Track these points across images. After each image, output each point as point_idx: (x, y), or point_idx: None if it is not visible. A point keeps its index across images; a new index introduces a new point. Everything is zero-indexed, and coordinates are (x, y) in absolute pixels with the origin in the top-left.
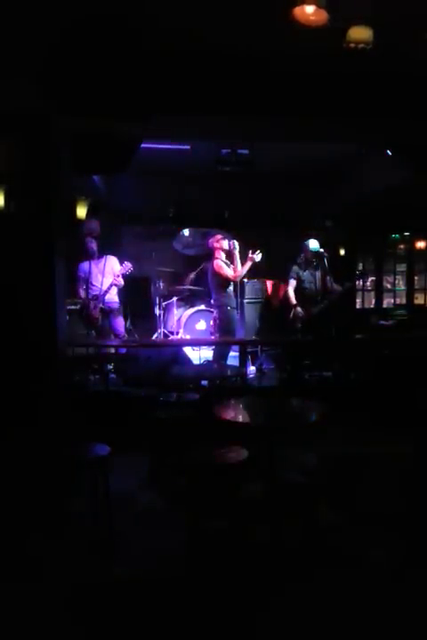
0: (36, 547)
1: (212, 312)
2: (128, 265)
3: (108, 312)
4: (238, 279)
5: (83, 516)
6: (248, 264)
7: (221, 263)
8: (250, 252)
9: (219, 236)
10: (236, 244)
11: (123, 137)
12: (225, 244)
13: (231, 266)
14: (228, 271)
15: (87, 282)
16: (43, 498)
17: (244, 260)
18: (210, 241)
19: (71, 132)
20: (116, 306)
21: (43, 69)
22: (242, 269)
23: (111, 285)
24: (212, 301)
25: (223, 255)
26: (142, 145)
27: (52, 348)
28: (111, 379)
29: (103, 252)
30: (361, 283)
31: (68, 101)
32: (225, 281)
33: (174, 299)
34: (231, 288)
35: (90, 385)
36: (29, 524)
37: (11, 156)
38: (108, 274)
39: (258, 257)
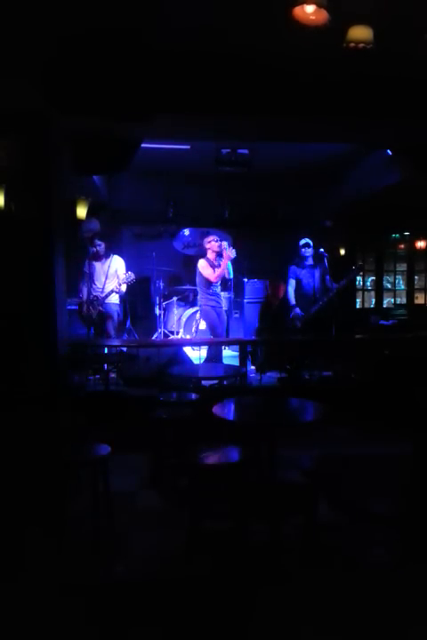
0: (36, 547)
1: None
2: (131, 275)
3: (105, 315)
4: (217, 280)
5: (83, 515)
6: (225, 262)
7: (204, 263)
8: (226, 248)
9: (211, 237)
10: (225, 245)
11: (123, 137)
12: (215, 245)
13: (217, 268)
14: (207, 272)
15: (90, 281)
16: (43, 498)
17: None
18: (203, 241)
19: (71, 132)
20: (115, 309)
21: (43, 69)
22: (221, 268)
23: (112, 291)
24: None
25: (214, 255)
26: (142, 145)
27: (52, 348)
28: (111, 379)
29: (112, 252)
30: (355, 276)
31: (69, 101)
32: (207, 280)
33: (174, 299)
34: (218, 288)
35: (90, 385)
36: (30, 524)
37: (11, 156)
38: (112, 277)
39: (233, 253)
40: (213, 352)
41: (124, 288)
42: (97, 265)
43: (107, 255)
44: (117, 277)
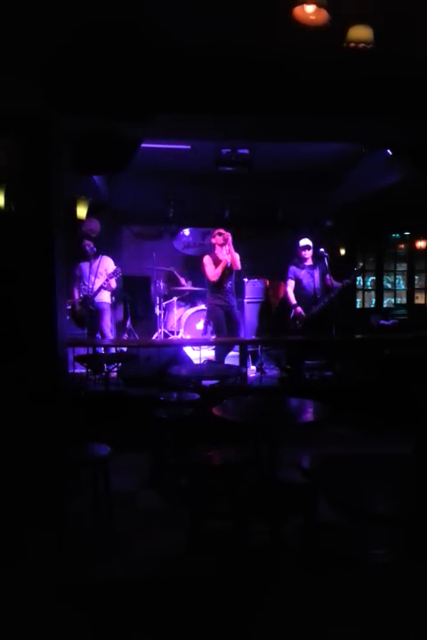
0: (35, 546)
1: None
2: (118, 270)
3: (97, 313)
4: (217, 279)
5: (83, 515)
6: (230, 248)
7: (207, 259)
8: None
9: (216, 231)
10: (229, 236)
11: (123, 137)
12: (220, 238)
13: (221, 263)
14: (208, 269)
15: (80, 281)
16: (43, 498)
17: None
18: (208, 239)
19: (71, 132)
20: (106, 307)
21: (43, 69)
22: (233, 258)
23: (101, 288)
24: None
25: (221, 249)
26: (142, 145)
27: (52, 348)
28: (111, 379)
29: (101, 251)
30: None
31: (69, 101)
32: (209, 278)
33: (174, 299)
34: (228, 285)
35: (90, 385)
36: (30, 524)
37: (11, 156)
38: (101, 275)
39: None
40: (218, 354)
41: (113, 283)
42: (86, 265)
43: (96, 256)
44: (107, 274)
